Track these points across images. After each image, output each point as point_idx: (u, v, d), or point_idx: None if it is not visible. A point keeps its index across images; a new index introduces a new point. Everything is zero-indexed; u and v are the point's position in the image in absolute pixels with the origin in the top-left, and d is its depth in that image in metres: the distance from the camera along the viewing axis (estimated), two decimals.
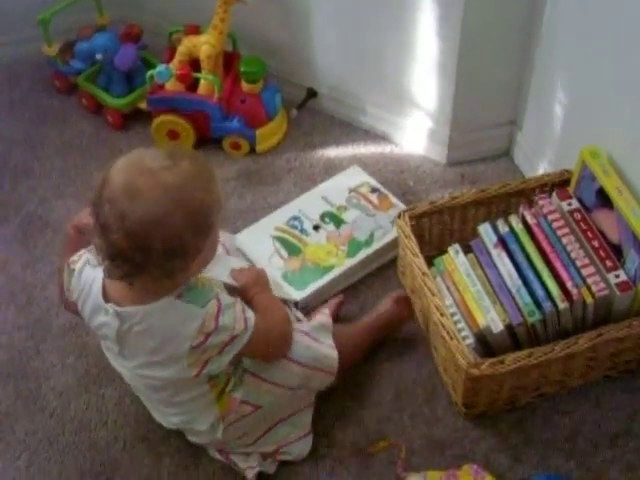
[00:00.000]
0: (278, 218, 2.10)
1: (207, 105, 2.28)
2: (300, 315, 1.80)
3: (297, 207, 2.12)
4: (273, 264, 1.99)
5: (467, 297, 1.77)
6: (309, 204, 2.13)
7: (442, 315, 1.72)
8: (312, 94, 2.47)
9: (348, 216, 2.09)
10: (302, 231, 2.06)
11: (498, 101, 2.25)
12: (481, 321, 1.72)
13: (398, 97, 2.32)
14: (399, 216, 1.92)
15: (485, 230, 1.83)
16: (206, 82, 2.29)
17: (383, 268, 2.07)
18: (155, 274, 1.35)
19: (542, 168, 2.19)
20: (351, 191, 2.16)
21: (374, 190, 2.16)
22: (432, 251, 1.99)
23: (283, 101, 2.43)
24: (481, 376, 1.64)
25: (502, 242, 1.80)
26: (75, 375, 1.90)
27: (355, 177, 2.20)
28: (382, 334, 1.87)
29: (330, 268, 1.99)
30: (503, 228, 1.82)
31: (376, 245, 2.04)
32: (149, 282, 1.38)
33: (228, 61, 2.38)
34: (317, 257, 2.01)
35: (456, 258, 1.83)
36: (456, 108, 2.21)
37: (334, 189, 2.16)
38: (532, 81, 2.16)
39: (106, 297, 1.45)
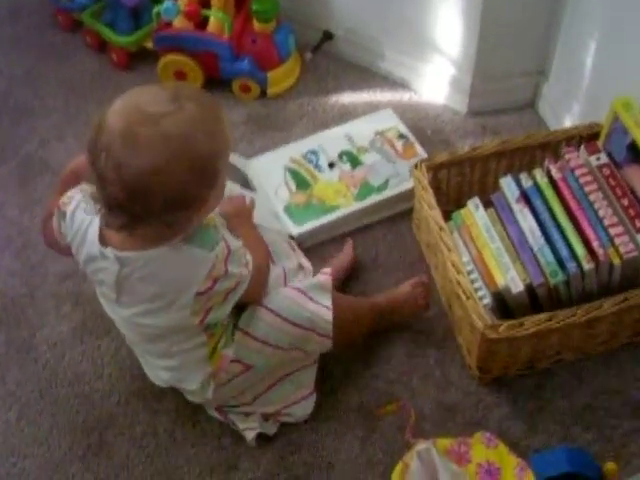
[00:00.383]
0: (296, 149, 2.04)
1: (216, 44, 2.16)
2: (295, 245, 1.75)
3: (317, 141, 2.06)
4: (279, 195, 1.94)
5: (485, 254, 1.66)
6: (330, 140, 2.05)
7: (458, 273, 1.61)
8: (328, 36, 2.35)
9: (367, 158, 2.01)
10: (316, 166, 1.99)
11: (524, 48, 2.12)
12: (500, 280, 1.62)
13: (419, 41, 2.20)
14: (416, 166, 1.81)
15: (507, 184, 1.71)
16: (216, 20, 2.17)
17: (397, 220, 1.97)
18: (156, 225, 1.28)
19: (569, 121, 2.07)
20: (377, 134, 2.07)
21: (401, 136, 2.06)
22: (450, 205, 1.88)
23: (297, 43, 2.33)
24: (498, 339, 1.54)
25: (525, 197, 1.69)
26: (70, 325, 1.82)
27: (385, 120, 2.11)
28: (392, 317, 1.74)
29: (335, 208, 1.91)
30: (526, 182, 1.70)
31: (388, 193, 1.94)
32: (150, 231, 1.30)
33: (241, 1, 2.25)
34: (324, 195, 1.94)
35: (475, 212, 1.72)
36: (480, 54, 2.09)
37: (360, 129, 2.08)
38: (562, 27, 2.04)
39: (104, 241, 1.37)
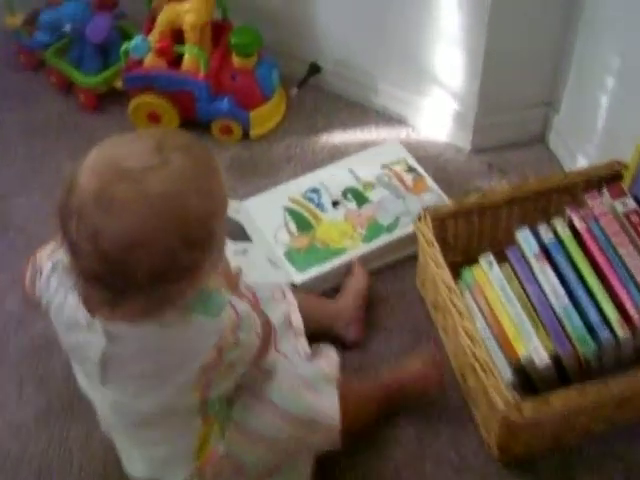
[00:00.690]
0: (295, 188, 1.86)
1: (192, 83, 1.96)
2: (291, 298, 1.54)
3: (319, 178, 1.88)
4: (278, 238, 1.76)
5: (503, 319, 1.46)
6: (333, 176, 1.88)
7: (473, 341, 1.41)
8: (315, 70, 2.16)
9: (374, 195, 1.84)
10: (318, 205, 1.82)
11: (532, 78, 1.94)
12: (521, 351, 1.42)
13: (416, 73, 2.01)
14: (419, 218, 1.60)
15: (524, 237, 1.51)
16: (191, 56, 1.97)
17: (405, 264, 1.78)
18: (143, 300, 1.07)
19: (584, 157, 1.89)
20: (384, 167, 1.89)
21: (410, 169, 1.89)
22: (457, 257, 1.68)
23: (281, 78, 2.13)
24: (522, 422, 1.33)
25: (545, 252, 1.48)
26: (35, 408, 1.60)
27: (392, 152, 1.94)
28: (402, 400, 1.54)
29: (341, 251, 1.73)
30: (546, 234, 1.50)
31: (399, 232, 1.76)
32: (138, 306, 1.09)
33: (217, 32, 2.06)
34: (329, 237, 1.76)
35: (489, 271, 1.52)
36: (484, 86, 1.90)
37: (365, 163, 1.91)
38: (574, 56, 1.86)
39: (91, 307, 1.14)
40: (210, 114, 2.02)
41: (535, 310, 1.45)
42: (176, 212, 1.02)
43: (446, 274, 1.51)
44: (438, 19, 1.86)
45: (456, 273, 1.55)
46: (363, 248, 1.74)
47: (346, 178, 1.88)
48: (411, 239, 1.70)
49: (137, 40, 1.91)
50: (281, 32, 2.15)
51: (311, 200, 1.83)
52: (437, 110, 2.03)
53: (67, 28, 2.06)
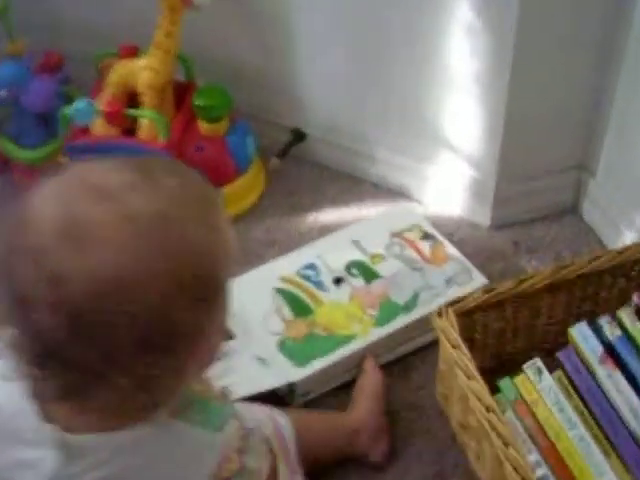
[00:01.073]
0: (287, 265, 1.56)
1: (149, 154, 1.60)
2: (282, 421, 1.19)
3: (315, 252, 1.58)
4: (269, 326, 1.45)
5: (561, 447, 1.09)
6: (332, 249, 1.59)
7: (524, 477, 1.03)
8: (299, 137, 1.82)
9: (385, 268, 1.54)
10: (317, 284, 1.52)
11: (562, 138, 1.61)
12: None
13: (422, 136, 1.67)
14: (439, 314, 1.24)
15: (582, 335, 1.16)
16: (147, 122, 1.62)
17: (428, 351, 1.45)
18: (124, 387, 0.73)
19: (628, 228, 1.55)
20: (394, 235, 1.60)
21: (426, 236, 1.60)
22: (486, 361, 1.31)
23: (259, 148, 1.78)
24: None
25: (612, 353, 1.12)
26: None
27: (402, 217, 1.65)
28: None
29: (348, 339, 1.42)
30: (611, 330, 1.14)
31: (420, 311, 1.45)
32: (115, 399, 0.76)
33: (180, 94, 1.72)
34: (333, 322, 1.45)
35: (538, 382, 1.15)
36: (505, 149, 1.57)
37: (371, 231, 1.62)
38: (613, 108, 1.53)
39: (42, 407, 0.80)
40: None
41: (604, 433, 1.08)
42: (172, 243, 0.72)
43: (480, 388, 1.14)
44: (447, 70, 1.53)
45: (488, 383, 1.18)
46: (377, 333, 1.43)
47: (349, 250, 1.57)
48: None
49: (80, 103, 1.56)
50: (257, 94, 1.82)
51: (308, 278, 1.52)
52: (448, 180, 1.69)
53: (2, 94, 1.71)
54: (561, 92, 1.53)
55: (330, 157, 1.81)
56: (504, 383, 1.20)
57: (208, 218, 0.78)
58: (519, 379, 1.18)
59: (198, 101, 1.64)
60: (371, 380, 1.36)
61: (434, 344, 1.41)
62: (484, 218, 1.67)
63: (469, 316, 1.27)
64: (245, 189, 1.72)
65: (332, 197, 1.75)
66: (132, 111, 1.61)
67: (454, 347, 1.19)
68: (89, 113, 1.57)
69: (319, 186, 1.78)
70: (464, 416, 1.26)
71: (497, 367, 1.27)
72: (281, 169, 1.79)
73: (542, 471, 1.09)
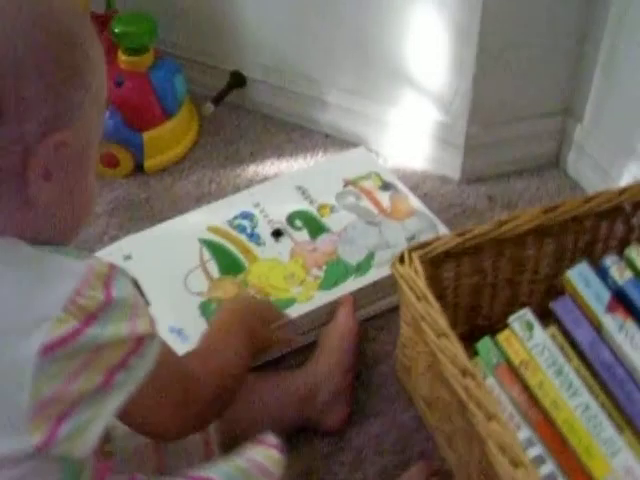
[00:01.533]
0: (217, 213, 1.32)
1: None
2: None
3: (252, 199, 1.34)
4: (191, 285, 1.20)
5: (560, 419, 0.84)
6: (273, 196, 1.35)
7: (516, 466, 0.77)
8: (238, 81, 1.57)
9: (335, 221, 1.30)
10: (252, 237, 1.27)
11: (545, 76, 1.37)
12: (599, 471, 0.79)
13: (379, 75, 1.43)
14: (400, 259, 0.99)
15: (582, 278, 0.90)
16: None
17: (383, 320, 1.20)
18: None
19: (620, 180, 1.31)
20: (348, 183, 1.35)
21: (386, 186, 1.35)
22: (457, 326, 1.07)
23: (191, 92, 1.52)
24: None
25: (622, 299, 0.88)
26: None
27: (358, 163, 1.40)
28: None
29: (287, 304, 1.17)
30: (620, 272, 0.89)
31: (375, 274, 1.21)
32: None
33: (98, 24, 1.43)
34: (268, 282, 1.21)
35: (529, 339, 0.90)
36: (478, 87, 1.33)
37: (319, 178, 1.38)
38: (601, 42, 1.31)
39: None
40: None
41: (615, 401, 0.83)
42: (37, 11, 0.64)
43: (454, 347, 0.88)
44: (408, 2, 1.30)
45: (468, 350, 0.93)
46: (321, 298, 1.17)
47: (293, 198, 1.33)
48: (391, 286, 1.12)
49: None
50: (191, 32, 1.57)
51: (241, 229, 1.27)
52: (411, 126, 1.44)
53: None
54: (544, 20, 1.31)
55: (274, 103, 1.56)
56: (483, 344, 0.95)
57: (79, 13, 0.68)
58: (503, 336, 0.92)
59: (117, 28, 1.39)
60: (340, 328, 1.11)
61: (392, 311, 1.18)
62: (453, 170, 1.43)
63: (437, 265, 1.02)
64: (172, 135, 1.46)
65: (276, 148, 1.51)
66: None
67: (419, 299, 0.94)
68: None
69: (261, 136, 1.53)
70: (432, 390, 1.00)
71: (469, 335, 1.02)
72: (217, 116, 1.55)
73: (536, 450, 0.84)
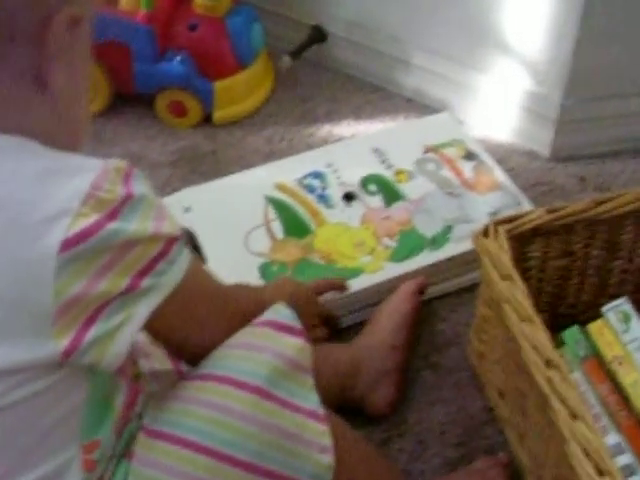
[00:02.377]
0: (287, 170, 1.24)
1: (126, 28, 1.29)
2: None
3: (325, 158, 1.25)
4: (252, 245, 1.13)
5: None
6: (347, 157, 1.26)
7: (602, 474, 0.68)
8: (318, 36, 1.49)
9: (412, 189, 1.21)
10: (322, 199, 1.19)
11: None
12: None
13: (468, 37, 1.34)
14: (485, 232, 0.90)
15: None
16: None
17: (458, 299, 1.13)
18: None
19: None
20: (429, 150, 1.26)
21: (470, 156, 1.25)
22: (543, 309, 0.96)
23: (269, 45, 1.45)
24: None
25: None
26: None
27: (441, 129, 1.31)
28: None
29: (354, 273, 1.09)
30: None
31: (452, 249, 1.12)
32: None
33: None
34: (335, 249, 1.13)
35: (625, 332, 0.80)
36: (578, 55, 1.22)
37: (399, 141, 1.28)
38: None
39: None
40: (154, 81, 1.34)
41: None
42: None
43: (540, 334, 0.79)
44: None
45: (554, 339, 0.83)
46: (391, 270, 1.10)
47: (368, 161, 1.24)
48: (468, 263, 1.07)
49: None
50: None
51: (311, 189, 1.20)
52: (500, 94, 1.34)
53: None
54: None
55: (354, 62, 1.48)
56: (570, 334, 0.85)
57: None
58: (595, 327, 0.83)
59: None
60: (399, 304, 1.03)
61: (468, 291, 1.09)
62: (543, 146, 1.33)
63: (524, 243, 0.93)
64: (246, 87, 1.39)
65: (354, 109, 1.42)
66: None
67: (503, 277, 0.84)
68: None
69: (339, 95, 1.45)
70: (507, 379, 0.91)
71: (550, 323, 0.92)
72: (295, 71, 1.47)
73: (626, 459, 0.74)
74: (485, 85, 1.35)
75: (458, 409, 0.99)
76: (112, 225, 0.59)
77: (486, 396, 0.99)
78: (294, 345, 0.72)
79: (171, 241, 0.63)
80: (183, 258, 0.65)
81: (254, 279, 1.07)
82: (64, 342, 0.59)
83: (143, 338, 0.75)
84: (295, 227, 1.14)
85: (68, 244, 0.57)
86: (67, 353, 0.59)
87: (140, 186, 0.62)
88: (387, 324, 1.01)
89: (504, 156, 1.32)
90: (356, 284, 1.07)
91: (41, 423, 0.61)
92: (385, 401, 0.97)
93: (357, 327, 1.05)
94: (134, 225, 0.60)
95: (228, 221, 1.14)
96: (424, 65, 1.39)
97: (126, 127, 1.37)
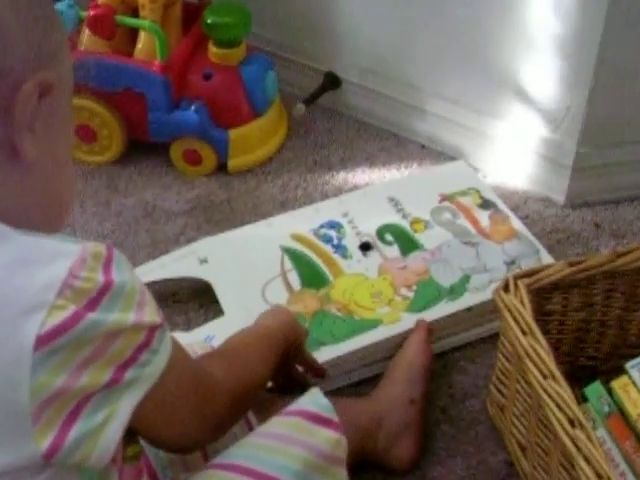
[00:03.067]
0: (303, 220, 1.24)
1: (142, 77, 1.29)
2: None
3: (341, 208, 1.26)
4: (268, 295, 1.12)
5: None
6: (363, 207, 1.26)
7: None
8: (332, 82, 1.49)
9: (429, 239, 1.21)
10: (339, 249, 1.19)
11: None
12: None
13: (483, 85, 1.34)
14: (505, 287, 0.89)
15: None
16: (146, 40, 1.29)
17: (478, 349, 1.12)
18: None
19: None
20: (445, 199, 1.26)
21: (487, 204, 1.26)
22: (562, 361, 0.97)
23: (283, 92, 1.45)
24: None
25: None
26: None
27: (456, 177, 1.31)
28: None
29: (372, 324, 1.08)
30: None
31: (470, 299, 1.11)
32: None
33: (191, 14, 1.38)
34: (353, 299, 1.12)
35: None
36: (593, 103, 1.22)
37: (415, 190, 1.29)
38: None
39: None
40: (169, 130, 1.34)
41: None
42: None
43: (563, 391, 0.78)
44: (522, 6, 1.20)
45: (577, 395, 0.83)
46: (409, 321, 1.08)
47: (385, 210, 1.24)
48: (486, 313, 1.08)
49: (61, 4, 1.23)
50: (284, 28, 1.50)
51: (327, 240, 1.19)
52: (515, 142, 1.34)
53: None
54: None
55: (369, 108, 1.48)
56: (593, 389, 0.85)
57: None
58: (619, 383, 0.82)
59: (209, 18, 1.32)
60: (413, 356, 1.02)
61: (486, 341, 1.09)
62: (558, 192, 1.32)
63: (544, 296, 0.93)
64: (260, 135, 1.38)
65: (368, 156, 1.42)
66: (123, 18, 1.27)
67: (525, 333, 0.84)
68: (70, 17, 1.24)
69: (353, 142, 1.45)
70: (529, 434, 0.90)
71: (570, 375, 0.91)
72: (309, 118, 1.47)
73: None
74: (500, 132, 1.35)
75: (478, 463, 0.98)
76: (91, 316, 0.56)
77: (507, 450, 0.98)
78: (329, 439, 0.71)
79: (153, 330, 0.60)
80: (165, 346, 0.62)
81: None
82: (45, 443, 0.56)
83: None
84: (312, 278, 1.14)
85: (44, 340, 0.54)
86: (49, 455, 0.56)
87: (120, 272, 0.59)
88: (403, 377, 1.00)
89: (519, 203, 1.32)
90: (374, 336, 1.06)
91: None
92: (407, 455, 0.96)
93: (371, 381, 1.04)
94: (115, 315, 0.57)
95: (245, 272, 1.13)
96: (438, 112, 1.39)
97: (140, 176, 1.37)
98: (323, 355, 1.03)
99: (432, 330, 1.05)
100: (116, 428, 0.59)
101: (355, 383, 1.05)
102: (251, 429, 0.82)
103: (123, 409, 0.59)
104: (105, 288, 0.57)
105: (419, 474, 0.97)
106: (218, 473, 0.68)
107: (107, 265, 0.58)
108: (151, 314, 0.60)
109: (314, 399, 0.74)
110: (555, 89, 1.25)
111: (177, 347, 0.65)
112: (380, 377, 1.02)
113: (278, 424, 0.71)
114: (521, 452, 0.94)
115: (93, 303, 0.56)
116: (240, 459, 0.68)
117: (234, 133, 1.34)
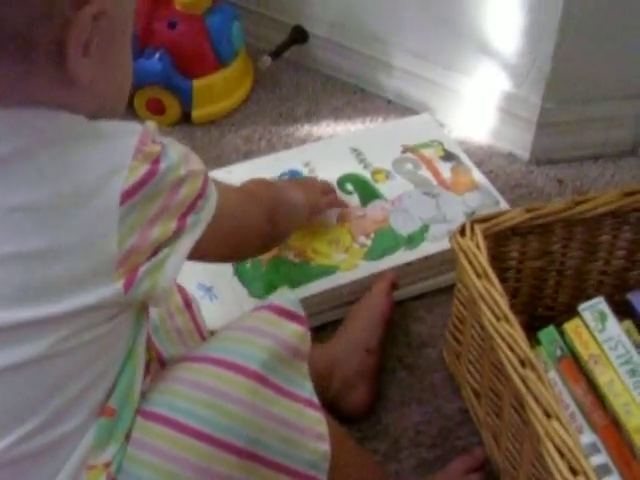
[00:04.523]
0: (263, 168, 1.19)
1: None
2: None
3: (302, 157, 1.25)
4: None
5: (631, 427, 0.74)
6: (325, 156, 1.25)
7: (576, 474, 0.67)
8: (299, 36, 1.48)
9: (390, 189, 1.20)
10: None
11: (636, 52, 1.25)
12: None
13: (448, 39, 1.33)
14: (461, 231, 0.89)
15: None
16: None
17: (435, 299, 1.11)
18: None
19: None
20: (407, 150, 1.25)
21: (449, 157, 1.25)
22: (518, 312, 0.95)
23: (249, 45, 1.44)
24: None
25: None
26: None
27: (419, 130, 1.31)
28: None
29: (328, 271, 1.09)
30: None
31: (428, 248, 1.12)
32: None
33: None
34: (311, 246, 1.12)
35: (601, 331, 0.79)
36: (559, 58, 1.22)
37: (377, 141, 1.28)
38: None
39: None
40: (133, 78, 1.31)
41: None
42: None
43: (515, 332, 0.78)
44: None
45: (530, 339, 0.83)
46: (366, 268, 1.09)
47: (346, 160, 1.23)
48: (445, 263, 1.07)
49: None
50: None
51: None
52: (480, 96, 1.34)
53: None
54: None
55: (335, 63, 1.47)
56: (546, 333, 0.85)
57: None
58: (571, 326, 0.82)
59: None
60: (369, 304, 1.02)
61: (445, 292, 1.09)
62: (522, 148, 1.32)
63: (501, 242, 0.93)
64: (225, 86, 1.37)
65: (333, 110, 1.42)
66: None
67: (479, 276, 0.84)
68: None
69: (319, 96, 1.44)
70: (483, 379, 0.90)
71: (527, 324, 0.91)
72: (274, 72, 1.46)
73: (600, 459, 0.73)
74: (465, 87, 1.34)
75: (433, 410, 0.98)
76: (161, 166, 0.64)
77: (462, 397, 0.98)
78: (295, 331, 0.73)
79: (206, 177, 0.69)
80: (213, 192, 0.70)
81: (227, 276, 1.07)
82: (121, 282, 0.64)
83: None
84: None
85: (128, 194, 0.62)
86: (126, 286, 0.64)
87: (172, 143, 0.68)
88: (361, 325, 1.00)
89: (483, 158, 1.32)
90: (331, 282, 1.06)
91: (90, 370, 0.65)
92: (359, 403, 0.97)
93: (332, 325, 1.04)
94: (175, 156, 0.65)
95: None
96: (405, 66, 1.39)
97: None
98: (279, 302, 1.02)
99: (397, 282, 1.05)
100: (176, 261, 0.67)
101: (312, 329, 1.05)
102: None
103: (183, 248, 0.67)
104: (163, 146, 0.65)
105: (373, 420, 0.97)
106: (192, 365, 0.71)
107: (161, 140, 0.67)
108: (200, 162, 0.70)
109: (283, 295, 0.78)
110: (520, 43, 1.25)
111: (221, 188, 0.74)
112: (338, 323, 1.03)
113: (249, 318, 0.75)
114: (476, 399, 0.95)
115: (158, 158, 0.64)
116: (212, 351, 0.72)
117: (198, 82, 1.33)
